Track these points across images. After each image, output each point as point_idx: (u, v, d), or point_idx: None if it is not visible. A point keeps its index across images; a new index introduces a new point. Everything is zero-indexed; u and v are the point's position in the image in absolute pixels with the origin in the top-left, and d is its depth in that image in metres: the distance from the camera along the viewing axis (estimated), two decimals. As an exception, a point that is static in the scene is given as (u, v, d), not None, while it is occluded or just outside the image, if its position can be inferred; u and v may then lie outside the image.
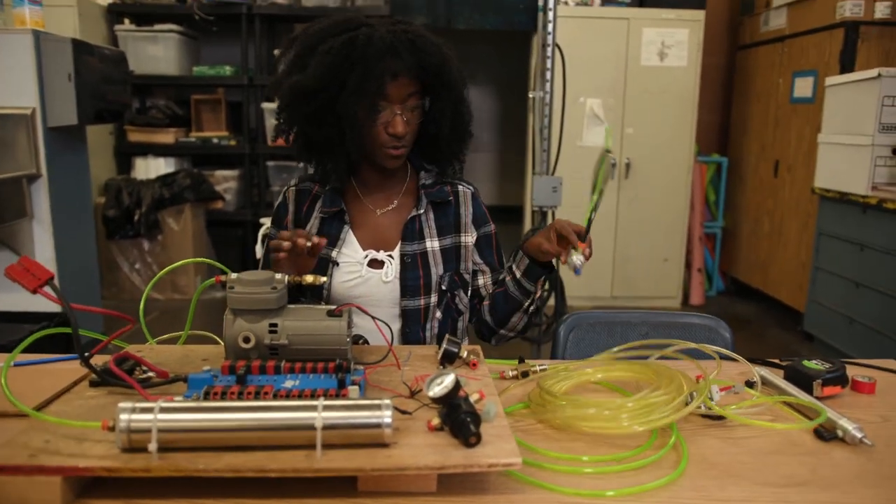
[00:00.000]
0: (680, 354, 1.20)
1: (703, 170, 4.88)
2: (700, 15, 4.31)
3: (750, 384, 1.18)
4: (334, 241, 1.40)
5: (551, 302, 3.25)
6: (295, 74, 1.29)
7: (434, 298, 1.40)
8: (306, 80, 1.27)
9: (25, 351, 1.06)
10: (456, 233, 1.44)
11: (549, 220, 3.18)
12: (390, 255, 1.40)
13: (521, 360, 1.23)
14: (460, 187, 1.47)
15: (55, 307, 2.82)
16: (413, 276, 1.38)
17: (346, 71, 1.24)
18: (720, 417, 1.06)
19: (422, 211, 1.41)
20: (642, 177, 4.48)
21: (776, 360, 1.34)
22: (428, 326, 1.41)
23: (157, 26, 4.60)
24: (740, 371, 1.26)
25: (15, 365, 1.23)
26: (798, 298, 4.13)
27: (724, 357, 1.22)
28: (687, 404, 1.00)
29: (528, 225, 4.83)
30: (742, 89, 4.94)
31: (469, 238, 1.44)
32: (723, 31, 5.08)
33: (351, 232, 1.41)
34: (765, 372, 1.21)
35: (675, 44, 4.34)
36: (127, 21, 4.69)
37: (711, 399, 1.05)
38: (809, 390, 1.14)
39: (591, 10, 4.33)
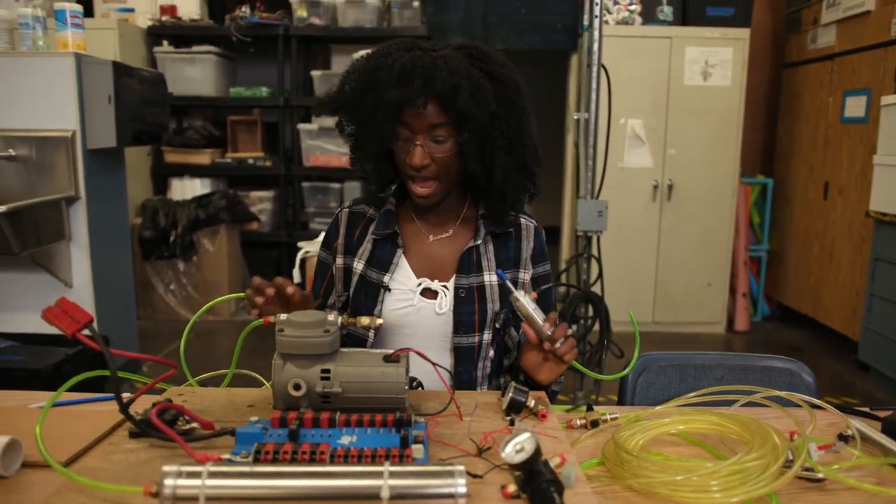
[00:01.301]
0: (765, 401, 1.10)
1: (747, 191, 4.74)
2: (745, 33, 4.20)
3: (843, 437, 1.07)
4: (386, 265, 1.31)
5: (596, 328, 3.13)
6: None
7: (488, 336, 1.31)
8: (328, 101, 1.24)
9: (63, 378, 0.99)
10: (515, 268, 1.35)
11: (595, 245, 3.07)
12: (445, 286, 1.31)
13: (590, 408, 1.13)
14: (523, 220, 1.38)
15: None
16: (468, 311, 1.29)
17: (362, 98, 1.19)
18: (818, 480, 0.95)
19: (479, 242, 1.32)
20: (685, 198, 4.35)
21: (867, 409, 1.22)
22: (480, 366, 1.32)
23: (195, 48, 4.62)
24: (829, 422, 1.15)
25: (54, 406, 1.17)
26: (851, 326, 3.96)
27: (814, 406, 1.11)
28: (786, 470, 0.89)
29: (565, 247, 4.73)
30: (789, 109, 4.80)
31: (527, 275, 1.35)
32: (768, 49, 4.95)
33: (404, 257, 1.33)
34: (860, 425, 1.09)
35: (719, 62, 4.23)
36: (165, 43, 4.71)
37: (810, 458, 0.94)
38: (914, 446, 1.02)
39: (632, 30, 4.24)
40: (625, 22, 4.26)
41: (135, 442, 0.93)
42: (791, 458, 0.92)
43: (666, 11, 4.26)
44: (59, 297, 0.94)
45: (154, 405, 0.92)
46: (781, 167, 4.87)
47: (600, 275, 3.08)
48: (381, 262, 1.32)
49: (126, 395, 0.95)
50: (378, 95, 1.16)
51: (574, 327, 3.08)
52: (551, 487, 0.74)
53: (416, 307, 1.30)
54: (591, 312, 3.10)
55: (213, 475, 0.73)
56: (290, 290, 1.08)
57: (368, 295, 1.30)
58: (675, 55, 4.21)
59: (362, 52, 1.29)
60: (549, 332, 1.12)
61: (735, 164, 4.33)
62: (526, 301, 1.13)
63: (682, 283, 4.44)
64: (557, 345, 1.12)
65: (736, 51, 4.20)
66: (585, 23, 2.96)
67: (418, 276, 1.32)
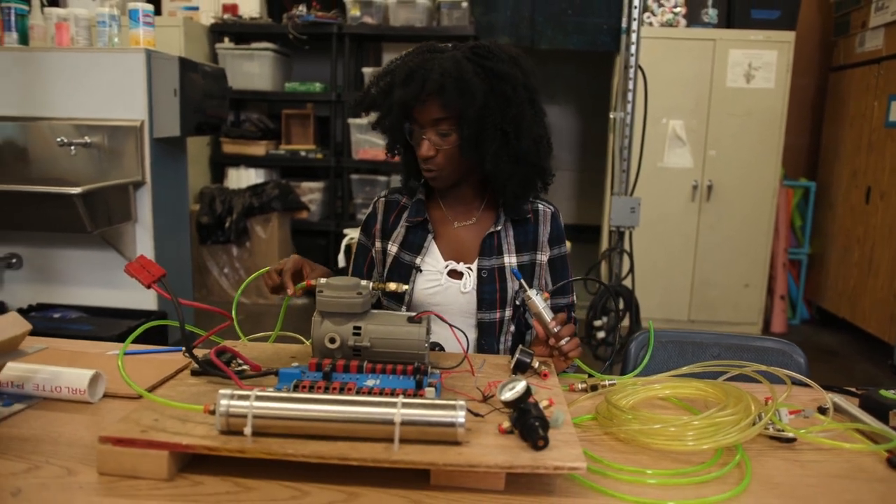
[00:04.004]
0: (755, 374, 1.21)
1: (789, 194, 4.74)
2: (790, 36, 4.22)
3: (822, 410, 1.18)
4: (418, 248, 1.47)
5: (626, 322, 3.23)
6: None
7: (509, 312, 1.45)
8: (360, 101, 1.43)
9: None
10: (533, 250, 1.48)
11: (627, 241, 3.18)
12: (469, 268, 1.46)
13: (591, 375, 1.27)
14: (541, 206, 1.51)
15: (150, 304, 3.02)
16: (490, 290, 1.43)
17: (378, 99, 1.37)
18: (788, 440, 1.06)
19: (499, 227, 1.46)
20: (724, 200, 4.39)
21: (852, 389, 1.32)
22: (502, 339, 1.47)
23: (254, 45, 4.86)
24: (813, 398, 1.25)
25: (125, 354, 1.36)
26: (889, 331, 3.95)
27: (796, 382, 1.22)
28: (754, 425, 1.01)
29: (604, 244, 4.81)
30: (834, 113, 4.78)
31: (544, 257, 1.49)
32: (814, 53, 4.94)
33: (434, 242, 1.48)
34: (839, 399, 1.20)
35: (763, 65, 4.26)
36: (227, 39, 4.96)
37: (780, 420, 1.06)
38: (885, 420, 1.12)
39: (676, 31, 4.30)
40: (669, 24, 4.33)
41: (195, 379, 1.10)
42: (762, 418, 1.04)
43: (711, 14, 4.31)
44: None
45: (214, 348, 1.09)
46: (825, 171, 4.86)
47: (631, 269, 3.18)
48: (413, 245, 1.47)
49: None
50: (389, 96, 1.34)
51: (604, 319, 3.19)
52: (537, 423, 0.88)
53: (444, 286, 1.45)
54: (622, 305, 3.20)
55: (259, 398, 0.89)
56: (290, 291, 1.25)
57: (401, 275, 1.46)
58: (719, 57, 4.26)
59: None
60: (556, 330, 1.24)
61: (776, 166, 4.35)
62: (537, 300, 1.25)
63: (719, 284, 4.48)
64: (562, 342, 1.24)
65: (780, 54, 4.22)
66: (624, 25, 3.06)
67: (445, 259, 1.47)
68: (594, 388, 1.23)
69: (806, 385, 1.23)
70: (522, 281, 1.32)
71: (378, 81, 1.39)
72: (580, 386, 1.24)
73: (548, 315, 1.25)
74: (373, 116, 1.43)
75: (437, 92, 1.28)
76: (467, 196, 1.50)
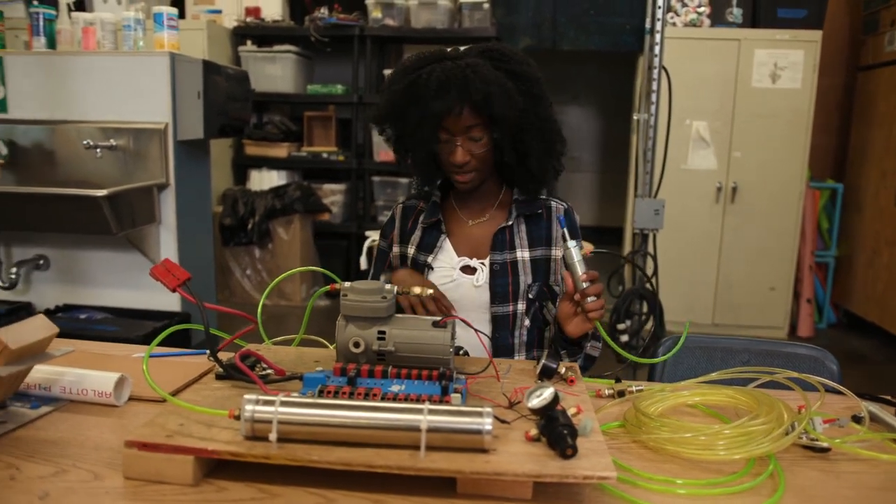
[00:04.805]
0: (786, 381, 1.18)
1: (815, 196, 4.67)
2: (817, 35, 4.15)
3: (857, 419, 1.15)
4: (431, 248, 1.50)
5: (649, 325, 3.20)
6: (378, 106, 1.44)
7: (522, 306, 1.46)
8: (377, 114, 1.43)
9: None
10: (546, 246, 1.49)
11: (651, 243, 3.14)
12: (482, 263, 1.49)
13: (618, 380, 1.25)
14: (553, 203, 1.54)
15: (175, 306, 3.04)
16: (502, 283, 1.45)
17: (407, 109, 1.36)
18: (823, 450, 1.04)
19: (511, 223, 1.48)
20: (749, 202, 4.34)
21: (888, 397, 1.29)
22: (516, 333, 1.47)
23: (276, 47, 4.89)
24: (847, 405, 1.22)
25: (150, 356, 1.36)
26: (919, 335, 3.87)
27: (830, 389, 1.19)
28: (787, 435, 0.99)
29: (627, 246, 4.77)
30: (862, 113, 4.70)
31: (558, 252, 1.49)
32: (842, 52, 4.86)
33: (447, 240, 1.51)
34: (874, 408, 1.17)
35: (789, 65, 4.20)
36: (249, 42, 5.00)
37: (814, 429, 1.03)
38: (924, 430, 1.09)
39: (700, 31, 4.26)
40: (693, 24, 4.28)
41: (220, 383, 1.10)
42: (796, 427, 1.02)
43: (735, 13, 4.25)
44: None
45: (238, 352, 1.09)
46: (853, 172, 4.77)
47: (655, 272, 3.15)
48: (427, 245, 1.51)
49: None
50: (421, 108, 1.32)
51: (628, 322, 3.16)
52: (565, 431, 0.87)
53: (457, 282, 1.48)
54: (644, 309, 3.17)
55: (284, 403, 0.88)
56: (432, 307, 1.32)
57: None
58: (744, 57, 4.20)
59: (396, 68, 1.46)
60: (584, 286, 1.26)
61: (803, 168, 4.29)
62: (575, 251, 1.27)
63: (743, 287, 4.42)
64: (589, 300, 1.26)
65: (807, 53, 4.16)
66: (648, 25, 3.03)
67: (459, 256, 1.50)
68: (621, 393, 1.21)
69: (839, 393, 1.21)
70: (565, 230, 1.32)
71: (391, 94, 1.38)
72: (607, 392, 1.22)
73: (581, 269, 1.27)
74: (388, 132, 1.45)
75: (483, 101, 1.30)
76: (483, 195, 1.53)
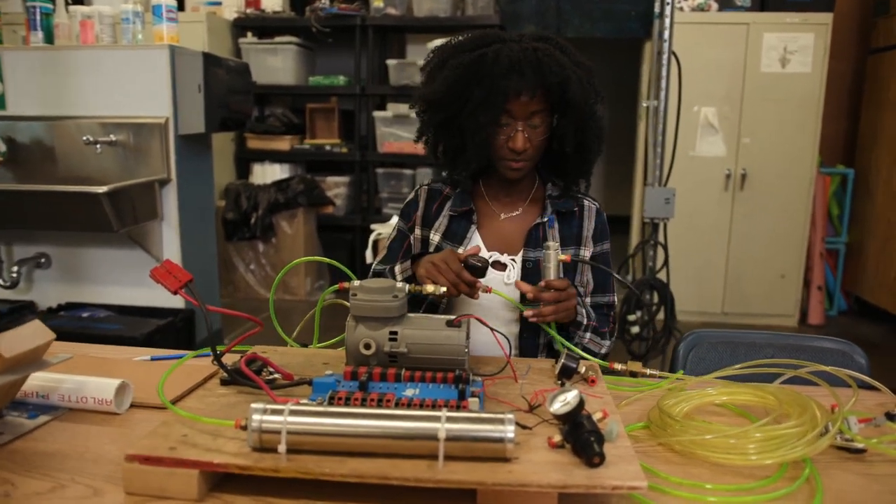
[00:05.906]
0: (812, 376, 1.13)
1: (826, 182, 4.60)
2: (827, 18, 4.07)
3: (891, 417, 1.10)
4: (461, 239, 1.43)
5: (660, 316, 3.15)
6: (428, 85, 1.36)
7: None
8: (434, 93, 1.33)
9: (155, 346, 1.12)
10: (577, 245, 1.44)
11: (661, 232, 3.09)
12: (513, 259, 1.42)
13: (563, 345, 1.25)
14: (586, 202, 1.48)
15: (178, 303, 3.00)
16: (534, 282, 1.38)
17: (471, 87, 1.28)
18: (858, 451, 0.99)
19: (546, 220, 1.42)
20: (759, 188, 4.27)
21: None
22: (543, 334, 1.41)
23: (277, 39, 4.82)
24: (878, 402, 1.18)
25: (152, 359, 1.32)
26: (933, 322, 3.81)
27: (861, 385, 1.14)
28: (822, 436, 0.94)
29: (634, 236, 4.71)
30: (873, 97, 4.62)
31: (587, 252, 1.45)
32: (853, 35, 4.77)
33: (477, 232, 1.45)
34: (908, 404, 1.12)
35: (799, 49, 4.12)
36: (250, 34, 4.93)
37: (849, 429, 0.99)
38: (962, 427, 1.04)
39: (708, 16, 4.18)
40: (700, 8, 4.21)
41: (225, 389, 1.05)
42: (830, 429, 0.97)
43: (744, -3, 4.18)
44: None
45: (243, 357, 1.04)
46: (864, 157, 4.70)
47: (666, 262, 3.09)
48: (456, 235, 1.44)
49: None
50: (487, 87, 1.26)
51: (639, 313, 3.10)
52: (592, 437, 0.82)
53: (487, 278, 1.38)
54: (655, 299, 3.12)
55: (293, 412, 0.84)
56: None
57: None
58: (753, 42, 4.13)
59: (436, 43, 1.39)
60: (542, 286, 1.25)
61: (813, 153, 4.22)
62: (552, 254, 1.25)
63: (753, 275, 4.36)
64: (539, 306, 1.26)
65: (817, 36, 4.08)
66: (657, 10, 2.96)
67: (489, 250, 1.43)
68: (633, 374, 1.18)
69: (872, 388, 1.16)
70: (549, 236, 1.32)
71: (447, 74, 1.31)
72: (619, 367, 1.19)
73: (549, 275, 1.26)
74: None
75: (559, 85, 1.26)
76: (519, 188, 1.47)
